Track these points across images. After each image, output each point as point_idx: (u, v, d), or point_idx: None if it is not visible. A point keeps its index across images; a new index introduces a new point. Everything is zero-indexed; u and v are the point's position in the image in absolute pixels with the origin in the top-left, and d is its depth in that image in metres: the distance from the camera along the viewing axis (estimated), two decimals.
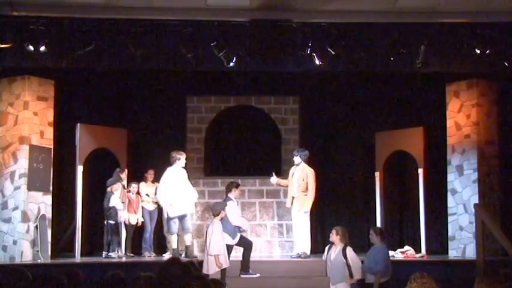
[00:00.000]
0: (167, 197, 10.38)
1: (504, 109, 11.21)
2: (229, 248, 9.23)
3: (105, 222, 10.62)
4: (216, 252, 8.61)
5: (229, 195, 9.73)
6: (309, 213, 10.77)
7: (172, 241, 10.46)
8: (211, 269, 8.55)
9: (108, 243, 10.50)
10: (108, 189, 10.64)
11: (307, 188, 10.47)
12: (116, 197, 10.61)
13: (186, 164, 12.31)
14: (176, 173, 10.39)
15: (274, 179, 10.85)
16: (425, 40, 9.34)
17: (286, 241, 11.61)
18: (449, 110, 11.30)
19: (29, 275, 4.28)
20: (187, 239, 10.45)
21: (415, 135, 11.49)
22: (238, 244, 9.52)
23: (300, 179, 10.50)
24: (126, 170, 10.98)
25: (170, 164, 10.46)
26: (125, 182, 11.02)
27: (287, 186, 10.93)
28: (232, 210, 9.47)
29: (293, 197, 10.58)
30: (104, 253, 10.50)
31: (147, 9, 9.03)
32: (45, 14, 8.92)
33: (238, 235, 9.56)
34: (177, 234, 10.51)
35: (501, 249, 9.57)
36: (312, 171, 10.56)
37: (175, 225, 10.39)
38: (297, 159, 10.65)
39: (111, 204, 10.57)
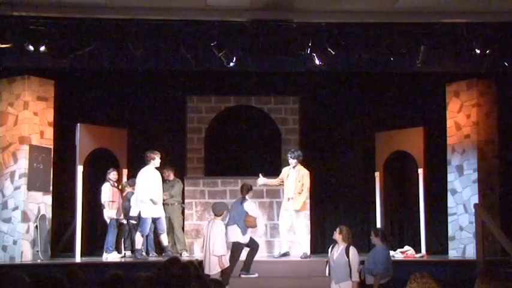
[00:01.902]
0: (148, 195, 10.22)
1: (504, 109, 11.21)
2: (240, 247, 9.36)
3: (126, 222, 10.86)
4: (221, 253, 8.67)
5: (246, 196, 9.81)
6: (308, 213, 10.75)
7: (138, 241, 10.24)
8: (214, 269, 8.60)
9: (130, 242, 10.67)
10: (130, 189, 10.76)
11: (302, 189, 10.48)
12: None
13: (186, 164, 12.38)
14: (151, 173, 10.25)
15: (261, 180, 10.64)
16: (425, 40, 9.34)
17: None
18: (449, 110, 11.30)
19: (26, 279, 4.26)
20: (164, 239, 10.39)
21: (415, 135, 11.49)
22: (246, 245, 9.58)
23: (297, 180, 10.48)
24: (116, 172, 10.94)
25: (144, 164, 10.31)
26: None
27: (277, 185, 10.83)
28: (253, 206, 9.78)
29: (289, 198, 10.55)
30: (124, 252, 10.68)
31: (147, 9, 9.03)
32: (45, 14, 8.92)
33: (249, 234, 9.61)
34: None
35: (501, 249, 9.58)
36: (307, 173, 10.54)
37: (148, 225, 10.23)
38: (292, 161, 10.54)
39: (132, 204, 10.69)
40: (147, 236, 10.90)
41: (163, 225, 10.38)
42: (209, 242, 8.77)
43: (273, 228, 11.80)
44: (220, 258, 8.66)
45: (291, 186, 10.51)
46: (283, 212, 10.66)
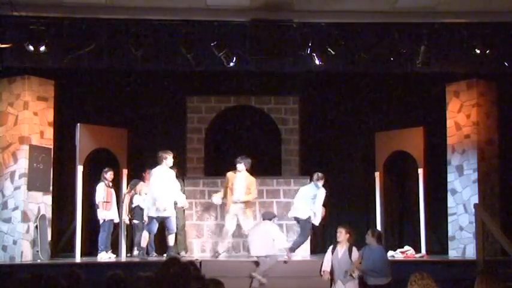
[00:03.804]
0: (154, 194, 10.07)
1: (504, 109, 11.21)
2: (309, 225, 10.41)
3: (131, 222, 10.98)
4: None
5: (318, 183, 10.39)
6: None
7: (143, 240, 10.19)
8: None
9: (138, 243, 10.68)
10: (133, 191, 10.84)
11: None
12: (138, 196, 10.84)
13: (186, 164, 12.37)
14: (164, 173, 10.11)
15: (217, 199, 10.65)
16: (425, 40, 9.33)
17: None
18: (449, 110, 11.30)
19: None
20: (171, 239, 10.22)
21: (415, 135, 11.49)
22: None
23: (246, 187, 10.47)
24: (112, 172, 10.88)
25: (157, 163, 10.16)
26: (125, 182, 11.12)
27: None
28: (323, 197, 10.40)
29: (236, 202, 10.48)
30: (136, 252, 10.69)
31: (147, 9, 9.03)
32: (45, 14, 8.92)
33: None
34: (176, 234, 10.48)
35: (501, 249, 9.58)
36: (254, 181, 10.60)
37: (155, 225, 10.14)
38: (241, 166, 10.47)
39: (134, 204, 10.78)
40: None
41: (172, 225, 10.14)
42: (265, 240, 9.45)
43: None
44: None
45: (241, 191, 10.44)
46: (232, 215, 10.52)
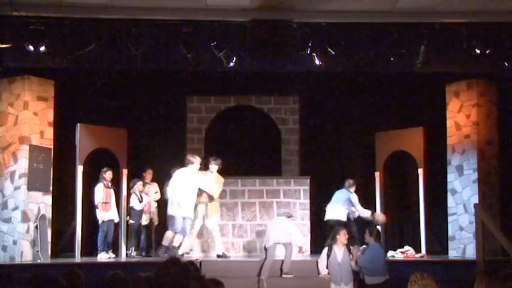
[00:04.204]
0: (177, 195, 10.07)
1: (504, 109, 11.21)
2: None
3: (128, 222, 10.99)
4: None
5: (350, 189, 10.82)
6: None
7: (166, 238, 10.10)
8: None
9: (137, 243, 10.81)
10: (131, 190, 10.85)
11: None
12: (134, 197, 10.86)
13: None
14: (187, 175, 10.10)
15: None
16: (425, 40, 9.33)
17: None
18: (449, 110, 11.31)
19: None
20: (178, 239, 10.12)
21: (415, 135, 11.49)
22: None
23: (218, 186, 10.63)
24: (111, 171, 10.85)
25: (184, 166, 10.20)
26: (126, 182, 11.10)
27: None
28: (357, 201, 10.80)
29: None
30: (128, 252, 10.75)
31: (147, 9, 9.03)
32: (45, 14, 8.91)
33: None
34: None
35: (501, 249, 9.58)
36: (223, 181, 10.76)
37: (179, 225, 10.06)
38: (214, 167, 10.59)
39: (130, 205, 10.82)
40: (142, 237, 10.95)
41: (187, 226, 10.08)
42: (285, 234, 9.70)
43: None
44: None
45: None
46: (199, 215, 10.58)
